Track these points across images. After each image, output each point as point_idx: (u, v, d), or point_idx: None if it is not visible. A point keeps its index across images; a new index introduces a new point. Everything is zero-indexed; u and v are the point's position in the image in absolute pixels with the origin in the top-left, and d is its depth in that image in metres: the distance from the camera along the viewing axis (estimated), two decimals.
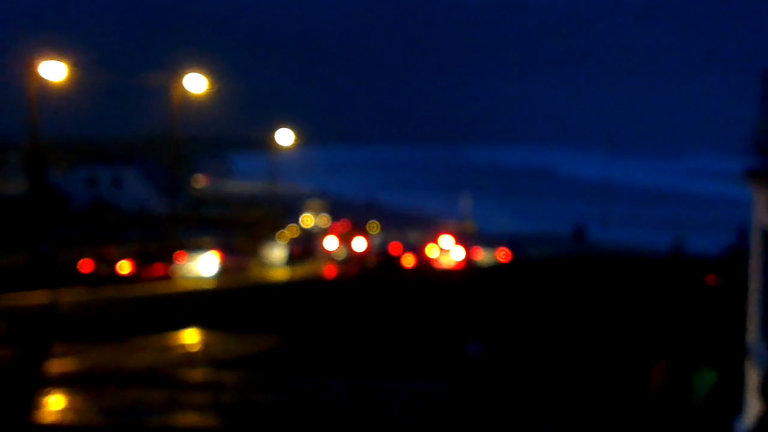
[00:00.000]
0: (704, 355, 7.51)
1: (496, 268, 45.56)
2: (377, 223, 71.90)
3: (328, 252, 60.71)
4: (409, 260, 52.82)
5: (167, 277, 40.04)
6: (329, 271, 52.80)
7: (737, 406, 9.98)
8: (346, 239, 61.06)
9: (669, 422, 6.24)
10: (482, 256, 55.41)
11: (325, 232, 75.50)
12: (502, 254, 54.04)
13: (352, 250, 58.81)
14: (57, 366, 17.08)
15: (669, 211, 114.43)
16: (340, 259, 57.59)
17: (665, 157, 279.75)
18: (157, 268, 39.96)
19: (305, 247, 58.46)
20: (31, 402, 13.80)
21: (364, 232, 65.31)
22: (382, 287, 34.69)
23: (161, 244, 49.13)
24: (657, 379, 7.82)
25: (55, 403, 13.69)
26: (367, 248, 58.95)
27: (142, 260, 39.42)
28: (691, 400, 7.33)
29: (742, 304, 11.58)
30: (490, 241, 60.60)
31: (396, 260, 51.36)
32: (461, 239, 63.49)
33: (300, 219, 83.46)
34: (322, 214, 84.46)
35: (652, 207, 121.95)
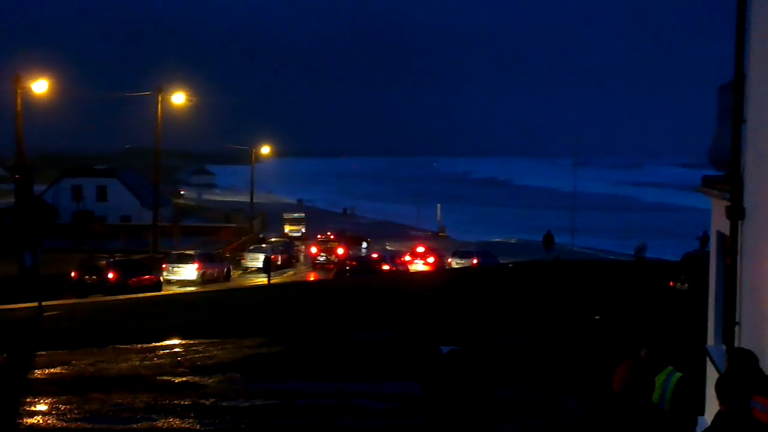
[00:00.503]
0: (668, 356, 7.61)
1: (469, 272, 45.97)
2: (364, 237, 71.94)
3: (311, 257, 61.46)
4: (385, 266, 53.30)
5: (152, 286, 40.23)
6: (310, 277, 53.23)
7: (700, 406, 10.41)
8: (327, 247, 61.75)
9: (631, 422, 6.45)
10: (456, 263, 55.95)
11: (304, 239, 76.07)
12: (475, 262, 54.59)
13: (333, 257, 59.56)
14: (41, 372, 17.31)
15: (631, 219, 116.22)
16: (321, 265, 58.24)
17: (628, 167, 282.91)
18: (142, 276, 40.23)
19: (285, 255, 58.76)
20: (16, 407, 14.04)
21: (345, 241, 65.72)
22: (360, 291, 34.98)
23: (146, 254, 49.30)
24: (621, 379, 7.88)
25: (39, 408, 13.89)
26: (344, 254, 59.58)
27: (127, 269, 39.62)
28: (652, 400, 7.38)
29: (703, 307, 12.07)
30: (462, 249, 61.08)
31: (373, 265, 51.75)
32: (435, 248, 64.09)
33: (279, 228, 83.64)
34: (301, 223, 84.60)
35: (614, 215, 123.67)
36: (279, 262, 54.97)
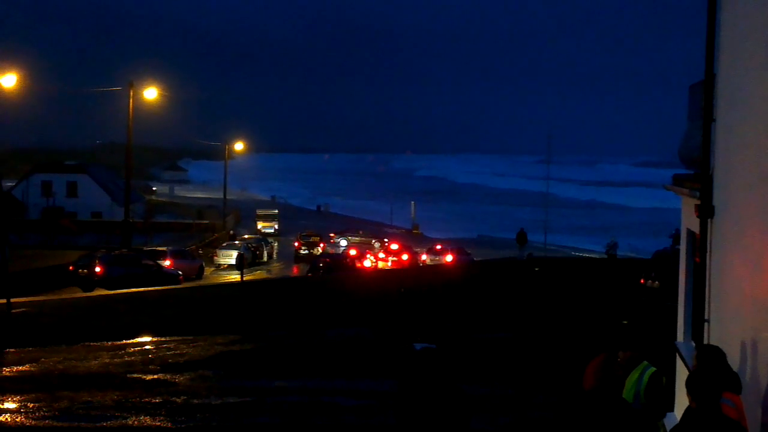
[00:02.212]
0: (641, 352, 7.67)
1: (443, 269, 46.16)
2: (378, 237, 71.37)
3: (295, 249, 62.90)
4: (360, 263, 53.44)
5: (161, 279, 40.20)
6: (295, 271, 53.45)
7: (671, 400, 10.51)
8: (310, 241, 62.87)
9: (601, 419, 6.48)
10: (430, 261, 56.25)
11: (277, 236, 76.41)
12: (449, 259, 54.93)
13: (315, 251, 60.54)
14: (9, 370, 17.09)
15: (601, 217, 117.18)
16: (304, 258, 58.99)
17: (583, 165, 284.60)
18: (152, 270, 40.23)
19: (258, 251, 58.70)
20: None
21: (330, 236, 66.20)
22: (334, 288, 34.93)
23: (117, 250, 48.83)
24: (591, 376, 7.91)
25: (7, 407, 13.71)
26: (323, 249, 60.54)
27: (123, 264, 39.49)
28: (624, 396, 7.42)
29: (673, 304, 12.19)
30: (437, 246, 61.37)
31: (347, 262, 51.84)
32: (409, 245, 64.37)
33: (253, 225, 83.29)
34: (274, 219, 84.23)
35: (578, 213, 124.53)
36: (252, 259, 54.82)
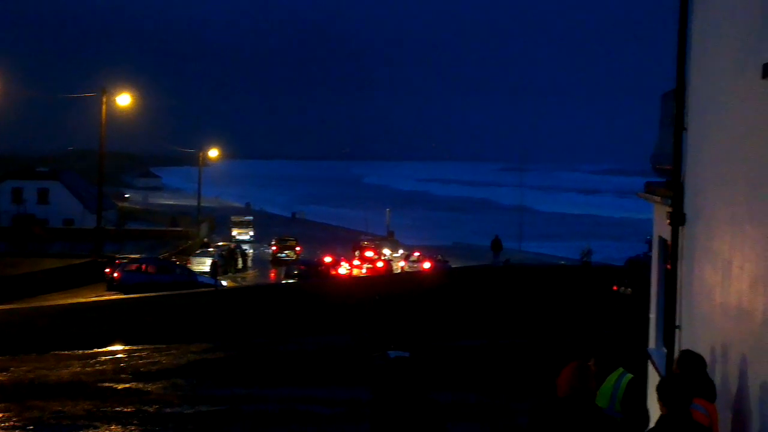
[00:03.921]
0: (614, 359, 7.67)
1: (420, 276, 46.23)
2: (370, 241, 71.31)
3: (273, 253, 64.03)
4: (335, 270, 53.51)
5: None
6: (268, 279, 53.44)
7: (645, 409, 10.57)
8: (287, 245, 63.42)
9: (575, 426, 6.48)
10: (408, 267, 56.37)
11: (252, 243, 76.37)
12: (426, 265, 55.12)
13: (292, 254, 61.05)
14: None
15: (569, 224, 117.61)
16: (282, 261, 59.76)
17: (553, 173, 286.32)
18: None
19: (234, 258, 58.51)
20: None
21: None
22: (310, 295, 34.84)
23: (88, 258, 48.42)
24: (565, 383, 7.87)
25: None
26: (298, 254, 61.15)
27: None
28: (597, 403, 7.40)
29: (645, 311, 12.28)
30: (413, 253, 61.54)
31: (322, 269, 51.83)
32: (384, 252, 64.49)
33: (227, 232, 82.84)
34: (249, 226, 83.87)
35: (551, 220, 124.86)
36: (225, 266, 54.56)
